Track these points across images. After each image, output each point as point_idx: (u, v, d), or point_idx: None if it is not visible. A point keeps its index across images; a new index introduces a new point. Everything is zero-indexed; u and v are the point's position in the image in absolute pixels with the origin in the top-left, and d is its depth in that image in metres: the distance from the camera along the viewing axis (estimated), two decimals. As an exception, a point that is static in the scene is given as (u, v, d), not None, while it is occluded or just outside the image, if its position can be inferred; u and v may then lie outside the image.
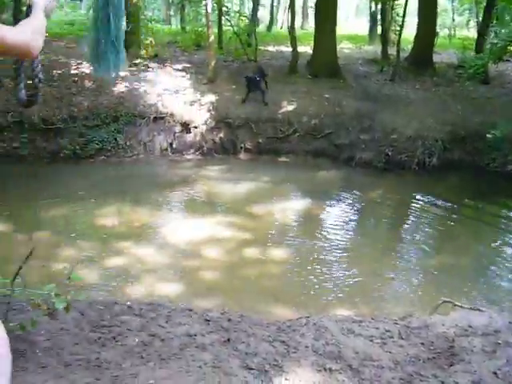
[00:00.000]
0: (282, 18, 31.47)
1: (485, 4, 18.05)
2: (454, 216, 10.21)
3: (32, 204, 9.77)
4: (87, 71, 14.12)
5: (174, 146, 13.05)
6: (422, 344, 3.59)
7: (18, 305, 3.69)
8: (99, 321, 3.74)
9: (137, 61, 15.43)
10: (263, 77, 14.13)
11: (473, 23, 30.65)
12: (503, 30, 13.72)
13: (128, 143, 12.74)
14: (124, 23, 2.90)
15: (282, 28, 30.28)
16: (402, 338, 3.69)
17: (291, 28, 16.78)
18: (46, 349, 3.19)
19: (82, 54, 12.55)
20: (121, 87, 13.83)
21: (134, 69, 14.95)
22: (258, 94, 13.79)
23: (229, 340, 3.49)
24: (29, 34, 2.08)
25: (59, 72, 13.73)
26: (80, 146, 12.31)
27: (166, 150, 12.97)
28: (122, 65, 2.98)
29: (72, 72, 14.10)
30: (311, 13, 36.06)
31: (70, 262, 6.95)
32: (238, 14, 20.17)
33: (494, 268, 8.05)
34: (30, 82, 2.64)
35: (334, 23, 16.24)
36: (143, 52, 15.65)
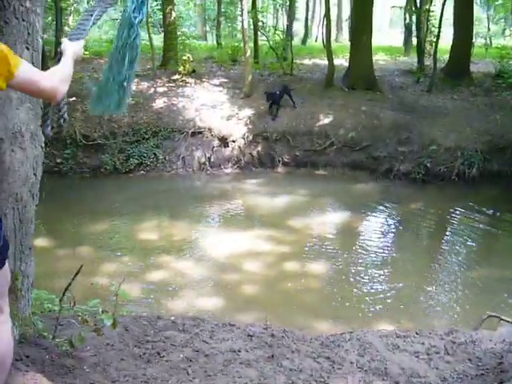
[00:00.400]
0: (317, 30, 31.47)
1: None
2: (496, 228, 10.04)
3: (73, 219, 9.98)
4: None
5: (212, 160, 13.17)
6: (470, 360, 3.52)
7: (64, 320, 3.75)
8: (143, 336, 3.77)
9: (175, 77, 15.66)
10: (287, 93, 14.16)
11: (509, 32, 30.21)
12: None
13: (167, 158, 12.94)
14: (136, 68, 2.94)
15: (316, 41, 30.29)
16: (449, 354, 3.62)
17: (327, 41, 16.78)
18: (93, 365, 3.22)
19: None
20: (159, 103, 14.06)
21: (172, 85, 15.20)
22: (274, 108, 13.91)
23: (273, 356, 3.48)
24: (57, 81, 2.32)
25: (99, 89, 14.00)
26: (120, 161, 12.58)
27: (204, 164, 13.09)
28: (122, 108, 3.01)
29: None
30: (346, 26, 36.09)
31: (112, 277, 7.06)
32: (273, 29, 20.24)
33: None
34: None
35: (370, 35, 16.19)
36: (181, 68, 15.84)
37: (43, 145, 3.25)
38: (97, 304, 3.65)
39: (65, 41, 2.62)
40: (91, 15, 2.78)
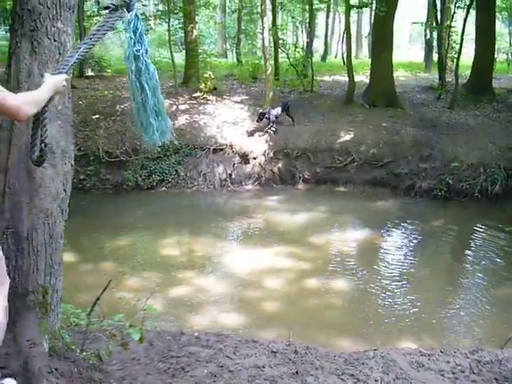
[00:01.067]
0: (336, 47, 31.61)
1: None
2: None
3: (96, 234, 10.08)
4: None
5: (233, 176, 13.24)
6: (496, 379, 3.48)
7: (90, 334, 3.78)
8: (167, 351, 3.79)
9: (196, 94, 15.82)
10: (285, 110, 14.17)
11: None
12: None
13: (188, 174, 13.04)
14: (159, 91, 3.08)
15: (336, 57, 30.39)
16: (474, 373, 3.58)
17: (347, 58, 16.85)
18: (120, 379, 3.26)
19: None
20: (181, 120, 14.20)
21: (193, 102, 15.35)
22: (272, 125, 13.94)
23: (297, 372, 3.48)
24: (22, 102, 2.52)
25: (122, 107, 14.20)
26: (142, 177, 12.73)
27: (226, 180, 13.17)
28: (167, 132, 3.17)
29: (134, 106, 14.57)
30: (365, 42, 36.20)
31: (134, 292, 7.12)
32: (293, 46, 20.38)
33: None
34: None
35: (391, 52, 16.22)
36: (202, 85, 16.00)
37: (73, 162, 3.33)
38: (122, 318, 3.69)
39: (47, 74, 2.79)
40: (76, 52, 2.90)
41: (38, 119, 2.81)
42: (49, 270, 3.16)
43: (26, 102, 2.55)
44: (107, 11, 2.98)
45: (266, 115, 13.70)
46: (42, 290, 3.06)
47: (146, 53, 3.02)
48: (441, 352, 3.96)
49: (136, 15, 3.00)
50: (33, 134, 2.89)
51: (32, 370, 2.75)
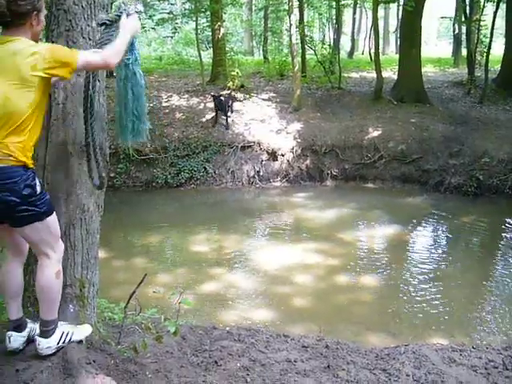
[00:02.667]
0: (363, 44, 31.39)
1: None
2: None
3: (127, 231, 10.23)
4: (177, 103, 14.74)
5: (260, 173, 13.29)
6: (530, 376, 3.46)
7: (124, 328, 3.85)
8: (200, 345, 3.85)
9: (223, 92, 15.88)
10: (230, 101, 14.36)
11: None
12: None
13: (216, 172, 13.14)
14: (144, 99, 3.23)
15: (363, 54, 30.20)
16: (507, 369, 3.56)
17: (375, 54, 16.75)
18: (155, 371, 3.31)
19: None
20: (209, 117, 14.28)
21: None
22: (222, 116, 14.12)
23: (329, 367, 3.50)
24: (107, 56, 2.81)
25: (151, 105, 14.35)
26: (171, 175, 12.88)
27: (254, 177, 13.22)
28: (143, 133, 3.31)
29: (164, 105, 14.72)
30: (392, 38, 35.87)
31: (165, 288, 7.20)
32: (320, 43, 20.31)
33: None
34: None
35: (419, 48, 16.10)
36: (230, 83, 16.07)
37: (108, 158, 3.40)
38: (154, 313, 3.75)
39: (123, 16, 2.98)
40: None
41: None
42: (85, 264, 3.24)
43: (109, 55, 2.81)
44: (103, 27, 3.11)
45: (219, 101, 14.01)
46: (79, 284, 3.14)
47: (136, 61, 3.19)
48: (473, 348, 3.95)
49: None
50: (89, 160, 3.15)
51: (71, 361, 2.82)
